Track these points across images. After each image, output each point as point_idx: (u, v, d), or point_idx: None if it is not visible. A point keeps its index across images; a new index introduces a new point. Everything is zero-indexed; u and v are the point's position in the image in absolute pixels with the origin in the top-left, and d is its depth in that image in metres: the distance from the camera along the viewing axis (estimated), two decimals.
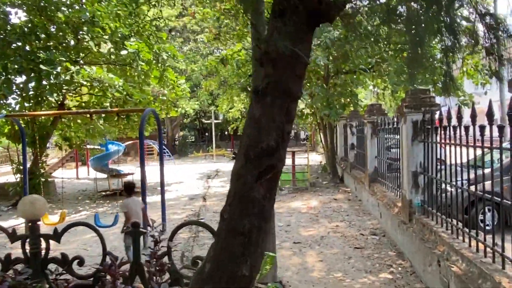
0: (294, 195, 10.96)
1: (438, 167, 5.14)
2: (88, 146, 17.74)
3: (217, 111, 24.45)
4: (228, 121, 26.66)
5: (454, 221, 4.48)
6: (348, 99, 12.90)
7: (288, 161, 12.78)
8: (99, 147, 17.56)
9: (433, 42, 11.73)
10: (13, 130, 11.17)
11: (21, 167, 11.06)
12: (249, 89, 12.07)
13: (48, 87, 10.10)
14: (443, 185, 4.93)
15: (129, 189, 5.88)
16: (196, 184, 15.03)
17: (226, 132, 37.47)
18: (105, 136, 16.29)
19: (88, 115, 9.28)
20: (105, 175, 14.97)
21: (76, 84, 10.80)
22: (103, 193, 13.26)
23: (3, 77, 9.73)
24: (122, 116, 11.43)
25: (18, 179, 11.21)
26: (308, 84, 13.18)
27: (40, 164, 11.95)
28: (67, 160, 19.09)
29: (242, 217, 1.93)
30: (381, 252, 5.90)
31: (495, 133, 3.65)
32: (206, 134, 38.98)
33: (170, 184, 15.30)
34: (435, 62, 12.39)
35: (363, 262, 5.52)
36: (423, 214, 5.42)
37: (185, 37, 28.62)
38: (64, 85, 10.49)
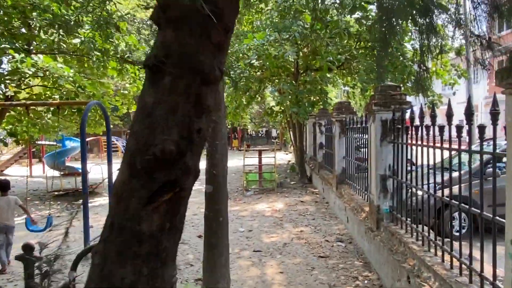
0: (259, 197, 10.41)
1: (408, 168, 4.71)
2: (40, 142, 16.53)
3: None
4: None
5: (426, 231, 4.05)
6: (318, 97, 12.46)
7: (255, 160, 12.23)
8: (55, 143, 16.43)
9: (405, 39, 11.52)
10: None
11: None
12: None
13: None
14: (413, 189, 4.50)
15: (2, 187, 5.69)
16: None
17: None
18: (59, 131, 15.22)
19: (36, 108, 8.38)
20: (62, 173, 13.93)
21: (21, 75, 9.81)
22: (55, 193, 12.28)
23: None
24: (73, 110, 10.54)
25: None
26: (277, 80, 12.68)
27: None
28: (20, 156, 17.81)
29: (122, 262, 1.19)
30: (346, 261, 5.43)
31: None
32: None
33: None
34: (405, 60, 12.25)
35: (327, 274, 5.02)
36: (392, 222, 4.99)
37: (153, 29, 27.54)
38: (7, 76, 9.50)
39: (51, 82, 10.07)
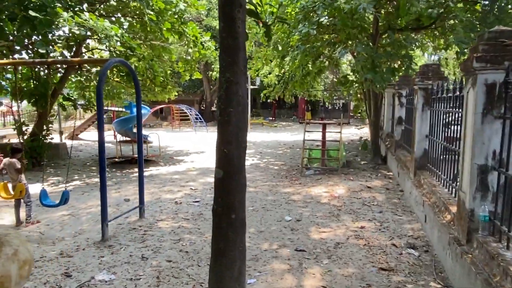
0: (319, 178, 8.98)
1: None
2: (110, 108, 16.75)
3: (252, 76, 22.19)
4: (266, 87, 23.84)
5: None
6: (400, 62, 10.40)
7: (319, 135, 10.75)
8: (123, 109, 16.55)
9: None
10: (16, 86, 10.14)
11: (24, 128, 10.13)
12: None
13: (40, 37, 8.78)
14: None
15: (12, 150, 6.23)
16: None
17: (268, 100, 34.88)
18: (126, 98, 15.22)
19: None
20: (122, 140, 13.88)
21: (75, 36, 9.39)
22: (116, 159, 12.15)
23: None
24: (121, 74, 9.98)
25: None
26: (350, 42, 10.84)
27: (43, 126, 10.93)
28: (93, 121, 18.34)
29: None
30: (418, 280, 3.93)
31: None
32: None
33: (189, 154, 13.93)
34: None
35: None
36: (492, 235, 3.37)
37: None
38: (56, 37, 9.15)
39: (101, 43, 9.58)
